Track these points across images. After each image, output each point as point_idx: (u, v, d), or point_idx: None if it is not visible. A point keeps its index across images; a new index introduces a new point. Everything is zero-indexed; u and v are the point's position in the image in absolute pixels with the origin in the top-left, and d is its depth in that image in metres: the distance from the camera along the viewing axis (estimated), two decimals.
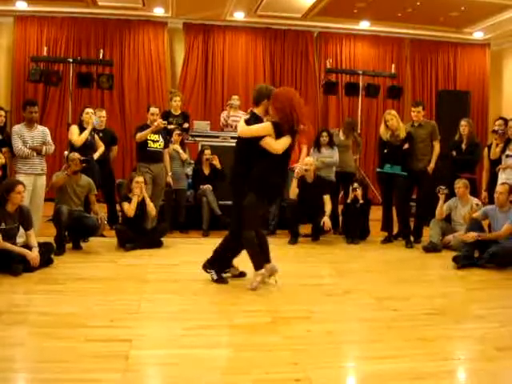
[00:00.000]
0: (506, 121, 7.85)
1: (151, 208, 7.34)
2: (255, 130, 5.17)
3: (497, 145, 7.58)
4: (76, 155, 7.06)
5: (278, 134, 5.09)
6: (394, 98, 12.56)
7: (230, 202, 8.61)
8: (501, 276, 6.11)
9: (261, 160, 5.18)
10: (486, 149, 8.07)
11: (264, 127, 5.16)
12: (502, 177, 7.27)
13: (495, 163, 7.63)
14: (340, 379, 3.30)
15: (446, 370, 3.45)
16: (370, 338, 4.04)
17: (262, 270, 5.22)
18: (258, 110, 5.35)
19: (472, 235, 6.57)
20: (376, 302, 4.89)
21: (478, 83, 14.00)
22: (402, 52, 13.76)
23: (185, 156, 8.69)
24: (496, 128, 7.74)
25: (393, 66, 12.95)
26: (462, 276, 6.14)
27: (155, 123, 7.83)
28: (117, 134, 9.29)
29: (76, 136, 7.69)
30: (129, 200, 7.20)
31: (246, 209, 5.20)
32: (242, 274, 5.66)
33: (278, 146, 5.09)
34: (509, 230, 6.51)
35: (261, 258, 5.28)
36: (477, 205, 7.05)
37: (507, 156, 7.37)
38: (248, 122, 5.27)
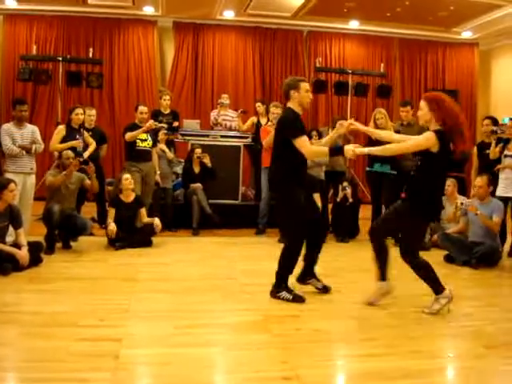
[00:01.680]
0: (493, 120, 7.88)
1: (143, 215, 7.43)
2: (416, 145, 4.63)
3: (496, 144, 7.55)
4: (70, 153, 7.03)
5: (443, 145, 4.50)
6: (383, 97, 12.60)
7: (219, 201, 8.81)
8: (489, 274, 6.17)
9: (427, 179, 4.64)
10: (475, 147, 8.09)
11: (428, 139, 4.52)
12: (501, 176, 7.28)
13: (493, 163, 7.59)
14: (329, 377, 3.31)
15: (435, 367, 3.49)
16: (359, 336, 4.06)
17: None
18: (292, 104, 5.03)
19: (475, 208, 6.64)
20: (365, 301, 4.91)
21: (466, 82, 14.09)
22: (391, 51, 13.82)
23: (171, 155, 8.72)
24: (494, 128, 7.74)
25: (382, 65, 13.00)
26: (450, 274, 6.18)
27: (147, 124, 7.83)
28: (106, 132, 9.27)
29: (56, 142, 7.52)
30: (116, 203, 7.27)
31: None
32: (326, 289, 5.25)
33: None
34: (499, 222, 6.63)
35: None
36: (461, 203, 7.05)
37: (505, 156, 7.38)
38: (285, 118, 5.01)
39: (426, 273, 4.69)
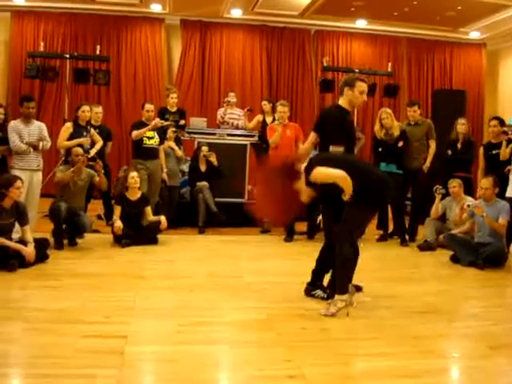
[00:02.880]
0: (500, 120, 7.85)
1: (149, 213, 7.42)
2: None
3: (507, 145, 7.50)
4: (79, 150, 7.04)
5: None
6: (390, 97, 12.56)
7: (225, 200, 8.81)
8: (494, 275, 6.15)
9: None
10: (482, 148, 8.06)
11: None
12: (511, 178, 7.25)
13: (501, 163, 7.55)
14: (334, 376, 3.31)
15: (440, 367, 3.48)
16: (363, 335, 4.06)
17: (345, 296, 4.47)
18: (342, 101, 4.92)
19: (481, 210, 6.61)
20: (370, 300, 4.90)
21: (473, 83, 14.01)
22: (398, 51, 13.76)
23: (179, 153, 8.71)
24: (506, 129, 7.71)
25: (389, 64, 12.95)
26: (455, 274, 6.18)
27: (152, 122, 7.83)
28: (113, 130, 9.28)
29: (63, 139, 7.52)
30: (121, 200, 7.28)
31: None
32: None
33: None
34: (505, 223, 6.61)
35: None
36: (468, 205, 7.01)
37: None
38: (335, 114, 4.92)
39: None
